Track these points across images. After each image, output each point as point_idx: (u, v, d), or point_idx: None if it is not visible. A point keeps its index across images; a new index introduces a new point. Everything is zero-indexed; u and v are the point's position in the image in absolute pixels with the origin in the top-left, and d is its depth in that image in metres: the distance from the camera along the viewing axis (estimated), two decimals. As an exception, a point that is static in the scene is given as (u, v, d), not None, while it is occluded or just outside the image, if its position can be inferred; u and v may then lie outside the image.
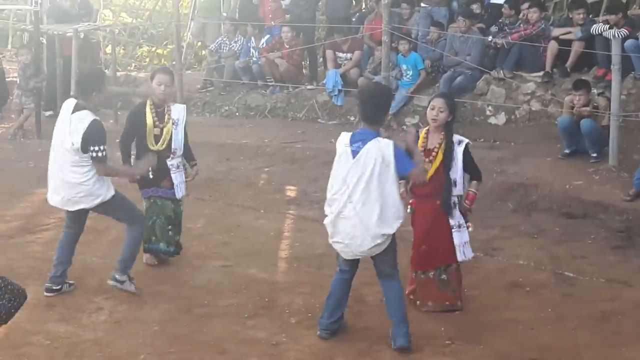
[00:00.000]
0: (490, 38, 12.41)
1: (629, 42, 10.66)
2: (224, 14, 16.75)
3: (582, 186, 9.51)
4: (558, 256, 7.98)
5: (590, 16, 12.18)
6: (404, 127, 12.52)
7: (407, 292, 6.70)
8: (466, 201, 6.68)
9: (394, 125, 12.40)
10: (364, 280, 6.70)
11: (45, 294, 6.94)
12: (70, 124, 6.66)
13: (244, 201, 9.93)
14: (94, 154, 6.63)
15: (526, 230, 8.72)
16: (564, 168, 10.06)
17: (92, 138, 6.61)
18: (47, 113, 13.84)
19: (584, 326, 6.45)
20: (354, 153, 5.87)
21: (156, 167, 7.46)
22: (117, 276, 6.96)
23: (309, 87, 13.89)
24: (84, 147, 6.61)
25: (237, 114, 14.10)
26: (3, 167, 11.47)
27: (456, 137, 6.60)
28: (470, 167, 6.66)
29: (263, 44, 14.23)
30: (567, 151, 10.41)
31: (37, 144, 12.68)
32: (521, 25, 12.31)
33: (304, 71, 14.55)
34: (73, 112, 6.71)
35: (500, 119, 12.20)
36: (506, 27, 12.51)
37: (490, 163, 10.09)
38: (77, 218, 7.05)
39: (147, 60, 20.57)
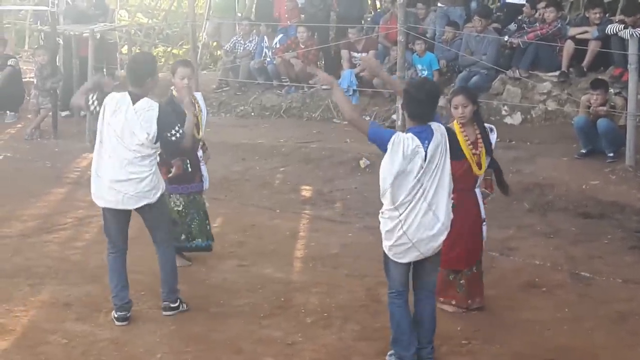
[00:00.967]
0: (506, 38, 12.38)
1: (646, 42, 10.61)
2: (239, 14, 16.79)
3: (598, 186, 9.47)
4: (574, 256, 7.95)
5: (607, 15, 12.13)
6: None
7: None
8: (488, 189, 6.63)
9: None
10: (381, 280, 6.68)
11: (118, 324, 6.48)
12: (138, 116, 6.25)
13: (260, 201, 9.94)
14: (174, 138, 6.33)
15: (542, 230, 8.69)
16: (581, 168, 10.02)
17: (167, 122, 6.30)
18: (64, 113, 13.91)
19: (601, 327, 6.42)
20: (426, 153, 5.46)
21: (192, 159, 7.43)
22: (171, 305, 6.63)
23: (324, 87, 13.88)
24: (161, 134, 6.28)
25: (253, 114, 14.12)
26: (20, 167, 11.54)
27: (487, 126, 6.54)
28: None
29: (276, 43, 14.25)
30: (583, 151, 10.37)
31: (53, 144, 12.76)
32: (537, 24, 12.27)
33: (319, 71, 14.54)
34: (134, 104, 6.29)
35: (516, 119, 12.17)
36: (525, 26, 12.47)
37: (506, 163, 10.04)
38: (124, 224, 6.56)
39: (163, 60, 20.62)
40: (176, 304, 6.66)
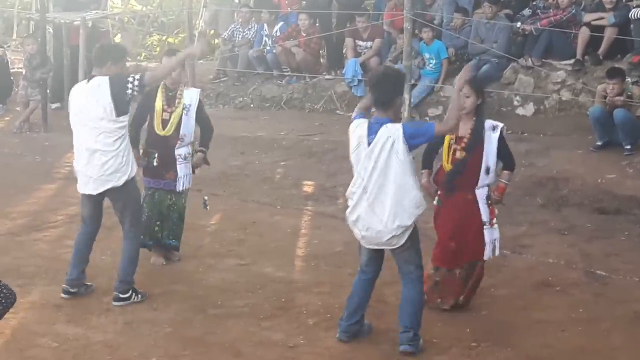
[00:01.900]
0: (518, 24, 12.35)
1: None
2: (237, 1, 16.77)
3: (615, 180, 9.47)
4: (590, 254, 7.95)
5: (624, 0, 12.10)
6: (427, 118, 12.51)
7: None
8: (495, 192, 6.64)
9: (415, 116, 12.38)
10: (386, 280, 6.69)
11: (62, 295, 6.93)
12: (92, 92, 6.59)
13: (260, 197, 9.94)
14: (134, 91, 6.53)
15: (556, 226, 8.69)
16: (596, 161, 10.02)
17: (119, 82, 6.51)
18: (54, 105, 13.91)
19: (617, 327, 6.42)
20: (369, 143, 5.90)
21: (163, 155, 7.48)
22: (121, 295, 6.82)
23: (327, 77, 13.89)
24: (120, 100, 6.51)
25: (252, 105, 14.12)
26: (8, 162, 11.54)
27: (489, 122, 6.54)
28: (503, 154, 6.60)
29: (277, 31, 14.24)
30: (599, 143, 10.36)
31: (43, 137, 12.77)
32: (551, 10, 12.25)
33: (321, 60, 14.54)
34: (88, 83, 6.68)
35: (529, 110, 12.15)
36: (539, 11, 12.43)
37: (519, 156, 9.98)
38: (97, 209, 6.98)
39: (158, 49, 20.62)
40: (127, 294, 6.83)
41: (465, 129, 6.48)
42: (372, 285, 6.26)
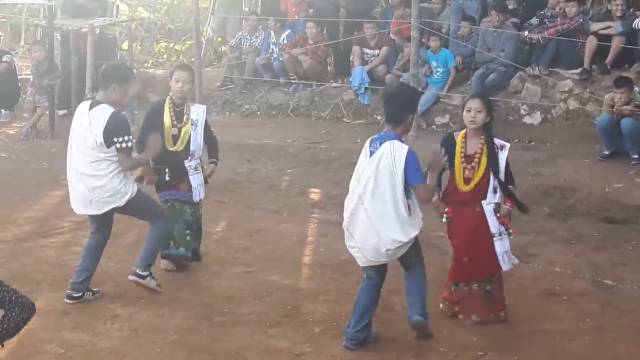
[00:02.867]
0: (525, 33, 12.36)
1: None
2: (246, 9, 16.81)
3: (622, 189, 9.45)
4: (597, 263, 7.93)
5: (632, 10, 12.11)
6: (433, 127, 12.51)
7: (442, 296, 6.73)
8: (507, 204, 6.59)
9: (422, 125, 12.39)
10: (392, 288, 6.70)
11: (66, 300, 6.96)
12: (90, 121, 6.65)
13: (266, 204, 9.95)
14: (119, 145, 6.62)
15: (563, 235, 8.68)
16: (603, 170, 10.01)
17: (114, 129, 6.59)
18: (61, 112, 13.95)
19: (625, 337, 6.40)
20: (371, 154, 5.97)
21: (174, 169, 7.51)
22: (138, 271, 6.96)
23: (333, 84, 13.91)
24: (108, 141, 6.60)
25: (259, 113, 14.14)
26: (16, 168, 11.58)
27: (497, 141, 6.52)
28: (506, 173, 6.57)
29: (284, 39, 14.27)
30: (606, 152, 10.36)
31: (50, 144, 12.79)
32: (559, 19, 12.25)
33: (328, 68, 14.56)
34: (90, 109, 6.72)
35: (536, 119, 12.15)
36: (546, 20, 12.44)
37: (525, 165, 10.05)
38: (105, 221, 7.02)
39: (165, 56, 20.68)
40: (145, 273, 6.98)
41: (473, 147, 6.49)
42: (378, 292, 6.25)
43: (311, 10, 14.83)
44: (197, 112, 7.65)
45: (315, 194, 10.34)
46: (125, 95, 6.85)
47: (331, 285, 7.47)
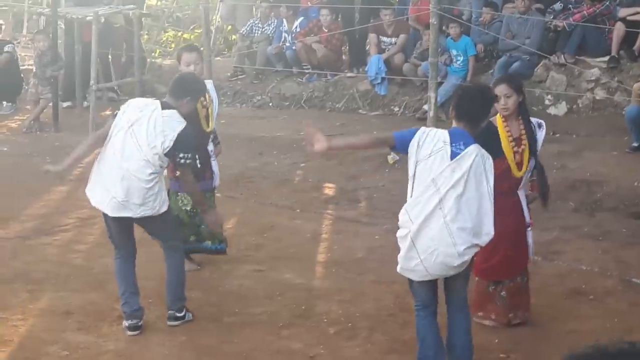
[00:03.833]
0: (553, 20, 12.29)
1: None
2: (256, -5, 16.82)
3: (652, 183, 9.42)
4: (625, 261, 7.90)
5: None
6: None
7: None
8: (533, 190, 6.53)
9: (442, 116, 12.35)
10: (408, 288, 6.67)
11: (130, 333, 6.45)
12: (163, 121, 6.31)
13: (278, 200, 9.96)
14: (183, 161, 6.39)
15: (589, 231, 8.64)
16: (632, 163, 9.96)
17: (183, 147, 6.34)
18: (65, 104, 14.01)
19: (655, 339, 6.36)
20: (454, 154, 5.36)
21: (202, 156, 7.37)
22: (177, 314, 6.60)
23: (349, 74, 13.89)
24: (171, 151, 6.32)
25: (271, 104, 14.15)
26: (18, 162, 11.62)
27: (534, 120, 6.40)
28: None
29: (296, 27, 14.26)
30: (635, 144, 10.31)
31: (54, 137, 12.84)
32: (584, 4, 12.18)
33: (343, 57, 14.54)
34: (163, 109, 6.38)
35: (561, 109, 12.11)
36: (571, 6, 12.37)
37: (550, 157, 9.98)
38: (129, 230, 6.58)
39: (173, 45, 20.69)
40: (182, 314, 6.64)
41: (516, 130, 6.32)
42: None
43: (325, -4, 14.82)
44: (211, 89, 7.62)
45: (329, 189, 10.33)
46: (192, 109, 6.71)
47: (345, 285, 7.46)
